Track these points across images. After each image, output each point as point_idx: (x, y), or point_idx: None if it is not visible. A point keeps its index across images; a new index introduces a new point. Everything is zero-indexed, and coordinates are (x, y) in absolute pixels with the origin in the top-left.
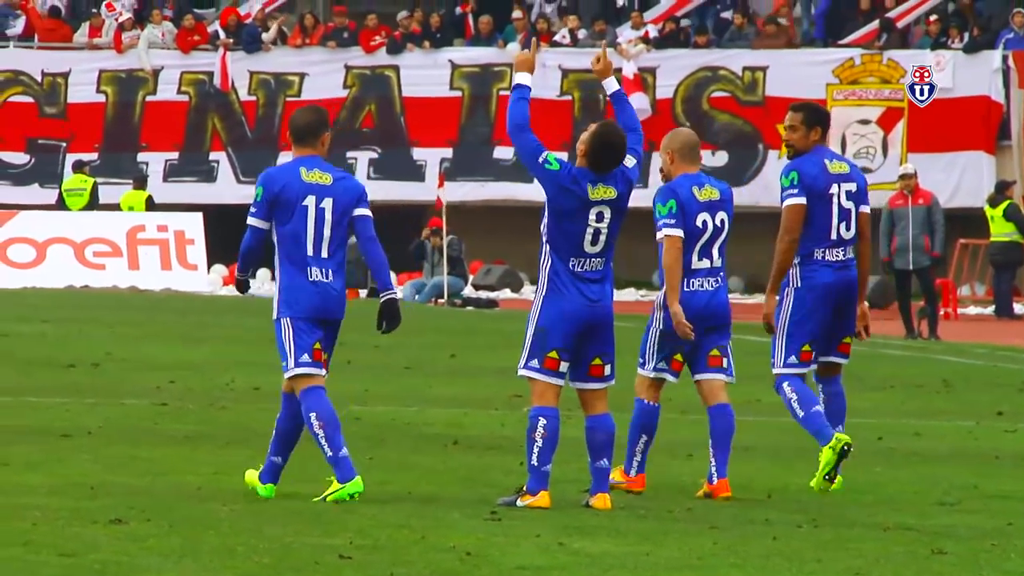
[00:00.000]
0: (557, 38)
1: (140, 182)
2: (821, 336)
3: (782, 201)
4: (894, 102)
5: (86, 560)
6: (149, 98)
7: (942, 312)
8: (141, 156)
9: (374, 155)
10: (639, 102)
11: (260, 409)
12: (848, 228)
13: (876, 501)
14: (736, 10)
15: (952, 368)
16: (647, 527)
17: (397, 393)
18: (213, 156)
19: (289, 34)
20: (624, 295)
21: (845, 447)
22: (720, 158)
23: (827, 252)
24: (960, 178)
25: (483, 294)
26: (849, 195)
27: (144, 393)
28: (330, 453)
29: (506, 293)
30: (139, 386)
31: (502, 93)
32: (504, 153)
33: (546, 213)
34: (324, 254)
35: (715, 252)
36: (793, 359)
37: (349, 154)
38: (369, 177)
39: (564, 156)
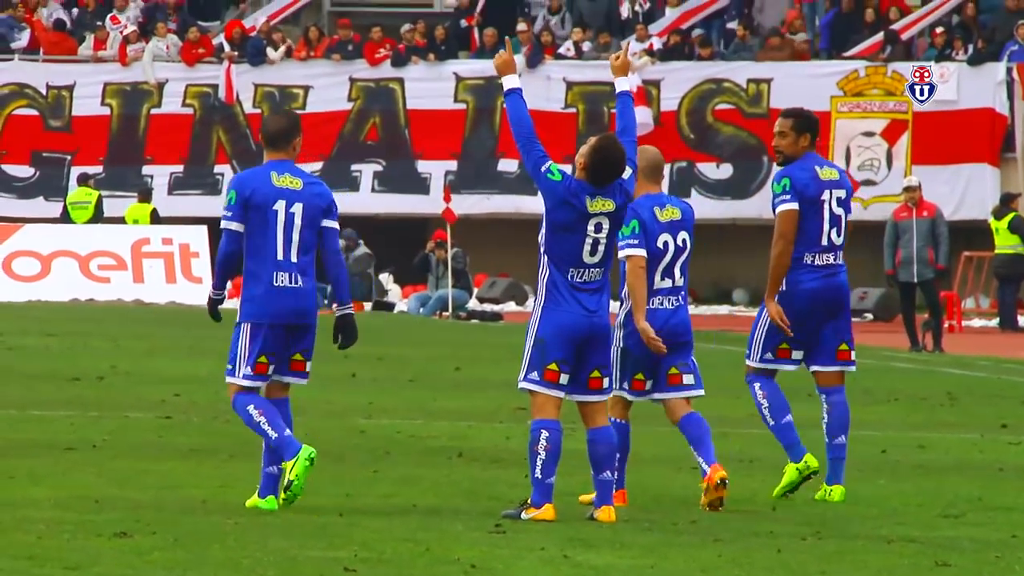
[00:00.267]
0: (561, 50)
1: (145, 195)
2: (803, 338)
3: (774, 208)
4: (898, 114)
5: (91, 573)
6: (154, 111)
7: (946, 325)
8: (146, 169)
9: (378, 168)
10: (642, 116)
11: None
12: (839, 233)
13: (880, 513)
14: (741, 21)
15: (956, 381)
16: (651, 540)
17: (401, 406)
18: (218, 169)
19: (294, 47)
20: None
21: (811, 474)
22: (724, 170)
23: (816, 257)
24: (964, 190)
25: (488, 307)
26: (840, 201)
27: (149, 406)
28: (274, 436)
29: (511, 306)
30: (144, 399)
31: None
32: (509, 166)
33: (544, 225)
34: (293, 258)
35: (677, 272)
36: (769, 355)
37: (353, 167)
38: (373, 190)
39: (569, 168)
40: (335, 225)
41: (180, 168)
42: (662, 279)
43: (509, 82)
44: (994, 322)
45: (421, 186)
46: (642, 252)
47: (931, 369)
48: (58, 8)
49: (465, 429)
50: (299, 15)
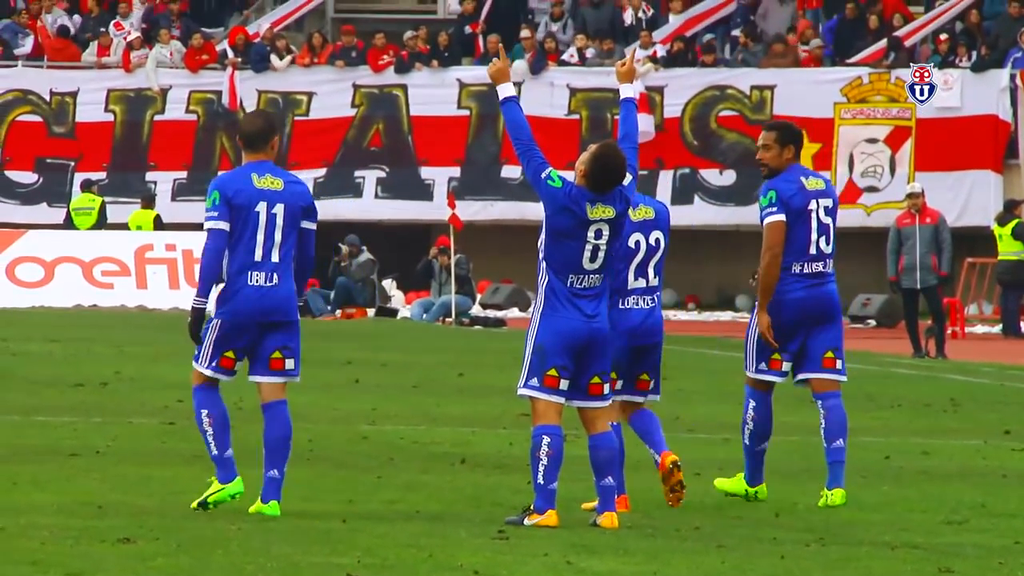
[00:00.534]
0: (565, 57)
1: (148, 201)
2: (794, 348)
3: (762, 220)
4: (902, 121)
5: None
6: (157, 117)
7: (949, 331)
8: (149, 175)
9: (382, 174)
10: (643, 124)
11: None
12: (827, 242)
13: (884, 520)
14: (745, 28)
15: (959, 387)
16: (655, 546)
17: (405, 412)
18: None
19: (297, 53)
20: None
21: (754, 498)
22: (728, 177)
23: (805, 266)
24: (968, 197)
25: (491, 313)
26: (827, 210)
27: (152, 412)
28: (216, 452)
29: (514, 312)
30: (147, 405)
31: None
32: (512, 172)
33: (544, 231)
34: (274, 259)
35: (651, 271)
36: (763, 366)
37: (357, 173)
38: (377, 196)
39: (571, 175)
40: (313, 227)
41: (184, 174)
42: (636, 278)
43: (504, 90)
44: (997, 328)
45: (424, 192)
46: None
47: (934, 375)
48: (62, 15)
49: (468, 435)
50: (303, 21)
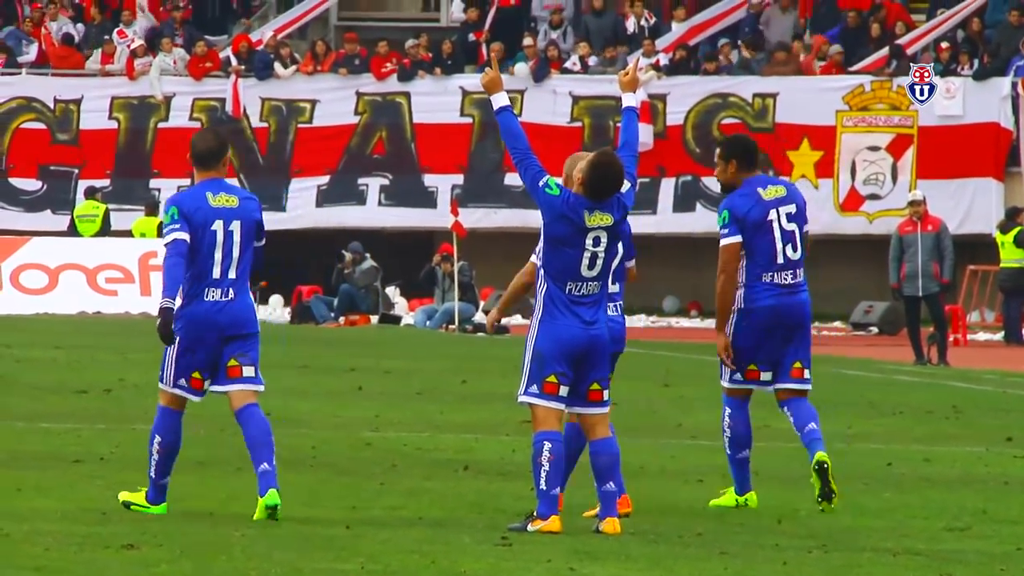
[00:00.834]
0: (567, 65)
1: (152, 208)
2: (767, 358)
3: (719, 241)
4: (904, 129)
5: None
6: (161, 125)
7: (951, 338)
8: (153, 182)
9: (385, 182)
10: (643, 135)
11: None
12: (795, 249)
13: (886, 526)
14: (750, 35)
15: (961, 394)
16: (657, 552)
17: (408, 419)
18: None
19: (301, 61)
20: (634, 321)
21: (744, 505)
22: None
23: (775, 276)
24: (969, 205)
25: None
26: (790, 217)
27: None
28: (154, 476)
29: (517, 319)
30: (151, 412)
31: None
32: (515, 180)
33: (542, 238)
34: (231, 275)
35: (609, 278)
36: (738, 376)
37: (360, 180)
38: (380, 203)
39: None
40: (262, 244)
41: (187, 182)
42: None
43: (498, 100)
44: (999, 335)
45: (427, 200)
46: None
47: (936, 382)
48: (66, 22)
49: (471, 442)
50: (306, 29)
